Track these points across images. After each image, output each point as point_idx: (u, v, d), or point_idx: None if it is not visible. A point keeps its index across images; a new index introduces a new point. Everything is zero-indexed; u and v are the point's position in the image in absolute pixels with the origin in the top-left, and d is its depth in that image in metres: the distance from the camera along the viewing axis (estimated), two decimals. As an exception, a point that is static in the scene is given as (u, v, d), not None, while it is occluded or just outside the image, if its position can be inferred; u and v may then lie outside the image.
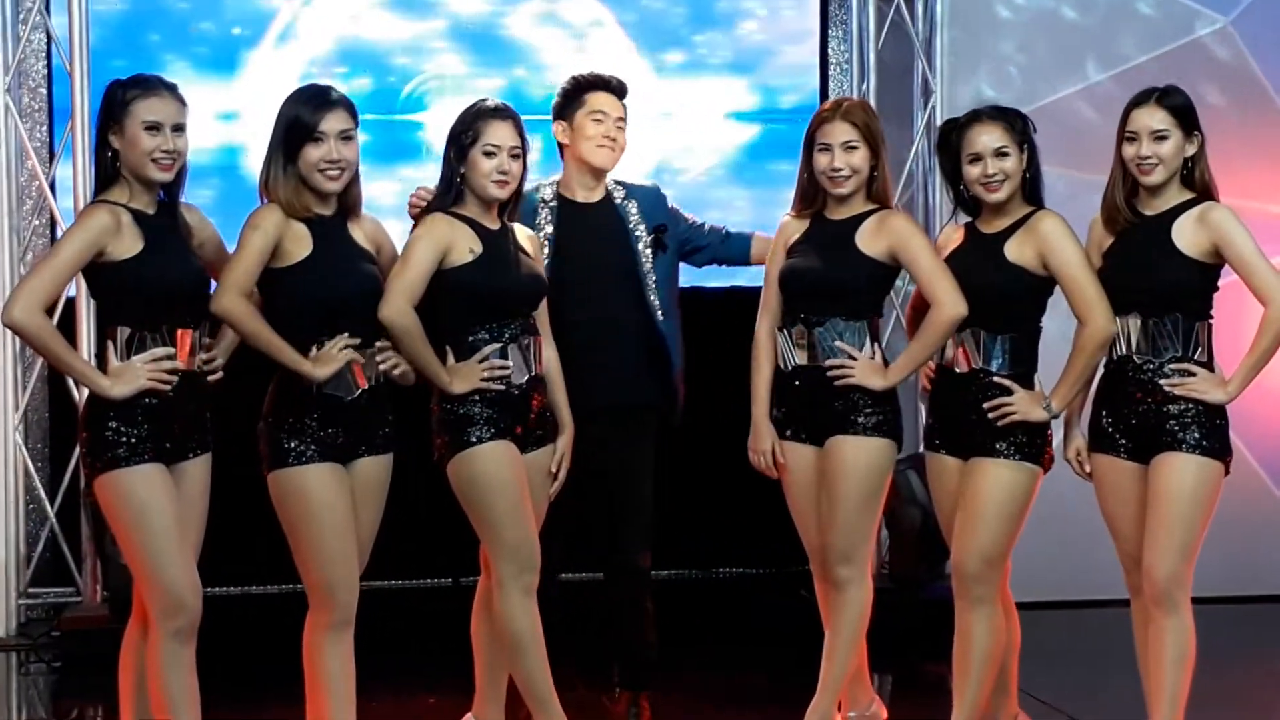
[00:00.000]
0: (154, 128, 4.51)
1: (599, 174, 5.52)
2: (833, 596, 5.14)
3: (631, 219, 5.51)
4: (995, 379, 4.91)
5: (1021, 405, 4.88)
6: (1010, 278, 4.89)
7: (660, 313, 5.48)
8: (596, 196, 5.54)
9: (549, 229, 5.46)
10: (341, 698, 4.73)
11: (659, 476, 5.71)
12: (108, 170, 4.57)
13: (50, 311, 4.49)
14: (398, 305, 4.73)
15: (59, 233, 7.04)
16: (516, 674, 4.97)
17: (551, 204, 5.50)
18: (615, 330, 5.39)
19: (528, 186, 5.28)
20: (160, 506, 4.47)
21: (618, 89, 5.56)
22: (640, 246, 5.48)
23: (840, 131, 5.03)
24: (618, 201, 5.54)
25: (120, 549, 4.58)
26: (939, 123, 7.27)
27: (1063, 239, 4.87)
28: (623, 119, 5.51)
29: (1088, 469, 4.99)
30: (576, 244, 5.44)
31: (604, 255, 5.46)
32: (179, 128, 4.55)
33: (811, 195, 5.13)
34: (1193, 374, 4.79)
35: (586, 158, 5.48)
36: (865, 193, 5.09)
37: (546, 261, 5.29)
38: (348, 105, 4.72)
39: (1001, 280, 4.90)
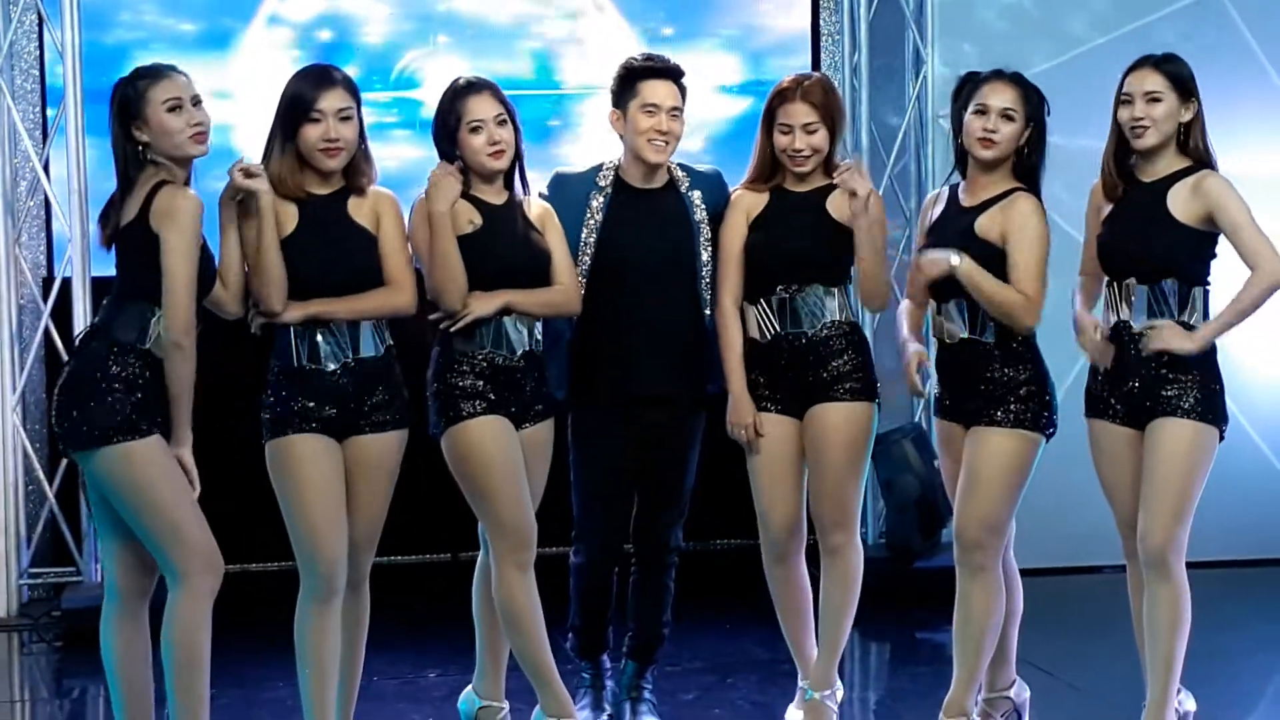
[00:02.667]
0: (175, 106, 4.53)
1: (654, 166, 5.23)
2: (826, 563, 5.16)
3: (695, 209, 5.23)
4: (990, 348, 4.92)
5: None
6: (974, 253, 4.86)
7: (709, 306, 5.22)
8: (658, 182, 5.23)
9: (599, 217, 5.20)
10: (319, 670, 4.75)
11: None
12: (136, 165, 4.54)
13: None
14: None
15: (54, 212, 7.05)
16: (515, 649, 5.00)
17: (606, 190, 5.23)
18: (663, 321, 5.20)
19: (584, 167, 5.31)
20: (173, 468, 4.52)
21: (671, 73, 5.17)
22: (701, 238, 5.20)
23: (801, 113, 5.05)
24: (682, 189, 5.24)
25: (138, 521, 4.55)
26: (930, 92, 7.32)
27: (1026, 221, 4.85)
28: (677, 108, 5.14)
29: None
30: (632, 231, 5.20)
31: (659, 244, 5.21)
32: (196, 100, 4.58)
33: (771, 170, 5.16)
34: (1156, 327, 4.78)
35: (639, 153, 5.16)
36: (822, 167, 5.14)
37: (592, 249, 5.18)
38: (348, 84, 4.74)
39: (973, 256, 4.86)
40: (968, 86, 4.98)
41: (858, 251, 5.05)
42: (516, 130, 4.96)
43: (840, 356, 5.09)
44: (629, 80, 5.17)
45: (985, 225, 4.90)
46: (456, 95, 4.94)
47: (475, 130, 4.90)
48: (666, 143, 5.15)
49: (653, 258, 5.21)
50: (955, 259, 4.84)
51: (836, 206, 5.10)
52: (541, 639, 4.95)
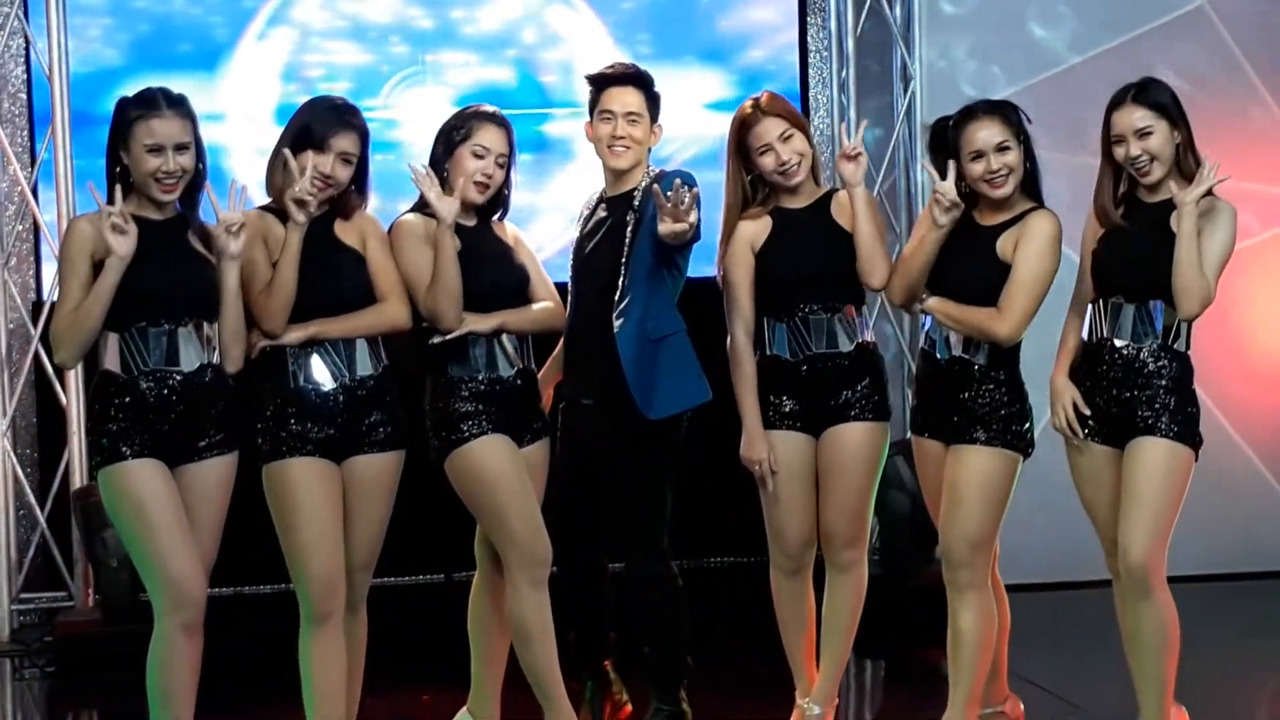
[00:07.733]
0: (156, 149, 4.50)
1: (619, 172, 5.24)
2: (835, 579, 5.19)
3: (631, 218, 5.16)
4: (977, 368, 4.92)
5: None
6: (994, 272, 4.86)
7: (622, 318, 5.10)
8: (624, 188, 5.25)
9: (577, 230, 5.33)
10: (323, 693, 4.75)
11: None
12: (123, 182, 4.53)
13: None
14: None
15: (42, 238, 7.06)
16: (524, 665, 4.99)
17: (589, 203, 5.36)
18: (584, 329, 5.20)
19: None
20: (157, 499, 4.48)
21: (626, 78, 5.22)
22: (624, 246, 5.14)
23: (772, 128, 5.06)
24: (636, 198, 5.18)
25: (126, 547, 4.57)
26: (919, 107, 7.33)
27: (1035, 239, 4.83)
28: (634, 113, 5.16)
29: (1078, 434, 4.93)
30: (583, 241, 5.28)
31: (595, 253, 5.21)
32: (182, 147, 4.52)
33: (748, 197, 5.15)
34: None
35: (604, 161, 5.23)
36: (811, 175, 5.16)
37: (572, 260, 5.29)
38: (362, 129, 4.75)
39: (985, 274, 4.87)
40: (948, 134, 4.94)
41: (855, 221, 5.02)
42: (508, 178, 4.99)
43: (864, 378, 5.10)
44: (592, 91, 5.25)
45: (1005, 246, 4.88)
46: (476, 116, 4.97)
47: (476, 156, 4.91)
48: (627, 147, 5.17)
49: (586, 267, 5.24)
50: (925, 298, 4.90)
51: (844, 219, 5.09)
52: (552, 656, 4.95)
